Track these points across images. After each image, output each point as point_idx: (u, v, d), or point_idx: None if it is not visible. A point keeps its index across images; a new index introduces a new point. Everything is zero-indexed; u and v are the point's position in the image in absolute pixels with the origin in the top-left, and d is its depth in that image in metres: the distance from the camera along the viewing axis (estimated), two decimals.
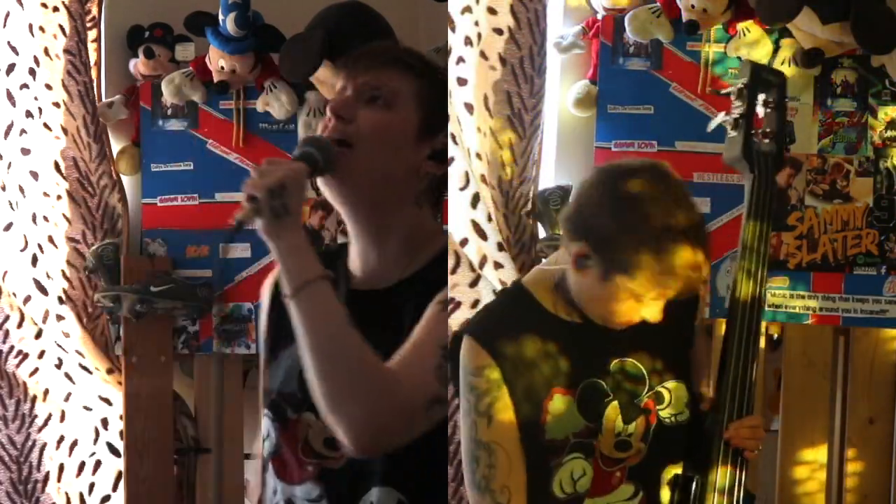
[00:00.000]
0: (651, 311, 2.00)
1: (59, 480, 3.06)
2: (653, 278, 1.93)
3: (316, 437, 1.74)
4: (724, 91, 2.43)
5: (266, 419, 1.81)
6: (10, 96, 2.97)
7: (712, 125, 2.34)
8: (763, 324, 3.02)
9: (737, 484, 2.12)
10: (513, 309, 2.12)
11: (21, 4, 2.94)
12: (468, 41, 2.78)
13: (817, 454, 3.03)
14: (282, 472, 1.78)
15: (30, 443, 3.04)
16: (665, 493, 2.11)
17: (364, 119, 1.68)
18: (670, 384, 2.09)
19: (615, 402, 2.06)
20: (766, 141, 2.26)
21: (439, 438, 1.71)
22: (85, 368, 3.03)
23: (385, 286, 1.76)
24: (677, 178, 2.02)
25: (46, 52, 2.97)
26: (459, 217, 2.85)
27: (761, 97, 2.25)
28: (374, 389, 1.57)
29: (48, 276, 2.98)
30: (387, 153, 1.69)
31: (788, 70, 2.95)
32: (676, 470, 2.11)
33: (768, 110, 2.26)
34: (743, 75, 2.26)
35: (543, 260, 2.64)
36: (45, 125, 2.98)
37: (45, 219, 2.98)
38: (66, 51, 2.98)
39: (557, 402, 2.04)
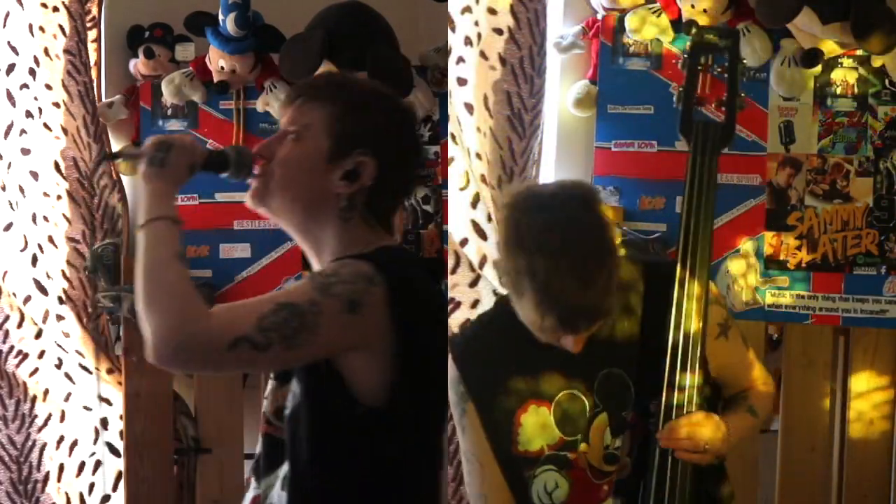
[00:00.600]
0: (566, 343, 1.92)
1: (59, 480, 3.06)
2: (522, 304, 1.86)
3: (269, 405, 1.86)
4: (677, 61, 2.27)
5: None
6: (10, 96, 2.96)
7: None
8: (763, 324, 3.04)
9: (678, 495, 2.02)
10: (495, 321, 2.11)
11: (21, 4, 2.94)
12: (468, 41, 2.78)
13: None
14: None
15: (30, 443, 3.04)
16: None
17: (279, 154, 1.87)
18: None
19: (603, 415, 2.03)
20: (718, 110, 2.10)
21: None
22: (85, 368, 3.03)
23: None
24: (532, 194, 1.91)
25: (46, 52, 2.97)
26: (459, 217, 2.85)
27: (713, 64, 2.08)
28: (179, 309, 1.70)
29: (48, 276, 2.98)
30: (297, 181, 1.86)
31: (788, 70, 2.95)
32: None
33: (722, 76, 2.09)
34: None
35: None
36: (45, 125, 2.98)
37: (45, 219, 2.98)
38: (66, 51, 2.98)
39: (531, 415, 2.03)
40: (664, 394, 2.00)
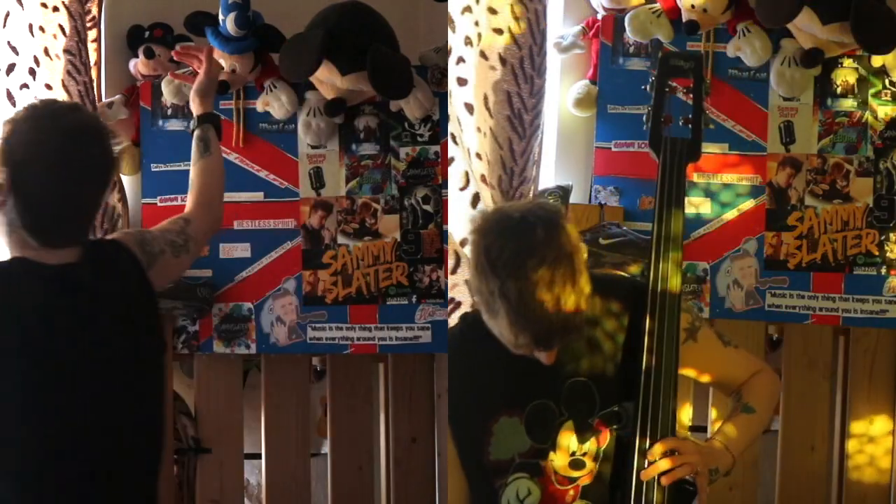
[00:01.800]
0: (541, 356, 1.99)
1: None
2: (497, 324, 1.92)
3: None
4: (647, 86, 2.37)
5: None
6: (10, 96, 2.96)
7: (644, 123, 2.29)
8: (763, 324, 3.04)
9: None
10: (467, 332, 2.16)
11: (21, 4, 2.94)
12: (468, 41, 2.78)
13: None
14: None
15: None
16: None
17: None
18: (628, 404, 2.08)
19: (570, 422, 2.08)
20: (689, 127, 2.19)
21: None
22: None
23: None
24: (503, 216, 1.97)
25: (46, 52, 2.96)
26: (459, 217, 2.84)
27: (683, 84, 2.19)
28: None
29: None
30: None
31: (788, 70, 2.95)
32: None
33: (687, 97, 2.20)
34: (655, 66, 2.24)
35: None
36: None
37: None
38: (66, 51, 2.98)
39: (503, 425, 2.07)
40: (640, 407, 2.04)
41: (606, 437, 2.08)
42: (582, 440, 2.07)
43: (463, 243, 2.85)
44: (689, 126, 2.19)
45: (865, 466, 3.09)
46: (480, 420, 2.08)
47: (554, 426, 2.07)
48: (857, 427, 3.08)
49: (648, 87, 2.22)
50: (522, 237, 1.90)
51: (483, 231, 1.94)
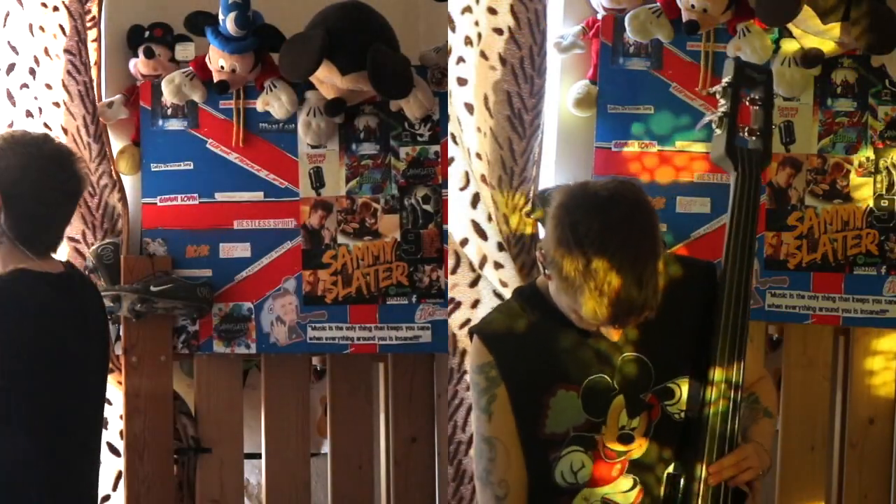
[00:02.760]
0: (609, 334, 2.04)
1: None
2: (576, 298, 1.97)
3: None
4: (710, 90, 2.44)
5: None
6: (10, 96, 2.97)
7: (700, 124, 2.36)
8: (763, 324, 3.04)
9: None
10: (521, 308, 2.18)
11: (21, 4, 2.94)
12: (468, 41, 2.78)
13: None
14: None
15: None
16: (661, 489, 2.13)
17: None
18: (682, 380, 2.11)
19: (621, 397, 2.11)
20: (753, 138, 2.27)
21: None
22: None
23: None
24: (591, 189, 2.03)
25: (46, 52, 2.97)
26: (459, 217, 2.85)
27: (748, 95, 2.27)
28: None
29: None
30: None
31: (788, 70, 2.95)
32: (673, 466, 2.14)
33: (755, 108, 2.28)
34: (728, 73, 2.28)
35: None
36: (45, 125, 2.98)
37: None
38: (66, 51, 2.98)
39: (560, 398, 2.09)
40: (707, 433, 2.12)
41: (658, 413, 2.11)
42: (632, 415, 2.10)
43: (463, 243, 2.86)
44: (751, 137, 2.28)
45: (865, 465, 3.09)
46: (537, 394, 2.10)
47: (607, 400, 2.10)
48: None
49: (718, 94, 2.26)
50: (610, 215, 1.95)
51: (568, 207, 1.99)
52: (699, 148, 2.94)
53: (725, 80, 2.27)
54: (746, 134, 2.28)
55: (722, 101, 2.27)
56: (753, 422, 2.24)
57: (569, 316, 2.06)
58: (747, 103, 2.28)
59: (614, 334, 2.04)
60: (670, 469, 2.14)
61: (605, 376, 2.10)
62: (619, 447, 2.11)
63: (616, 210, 1.97)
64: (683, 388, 2.13)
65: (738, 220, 2.23)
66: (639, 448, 2.12)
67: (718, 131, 2.27)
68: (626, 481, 2.12)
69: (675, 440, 2.14)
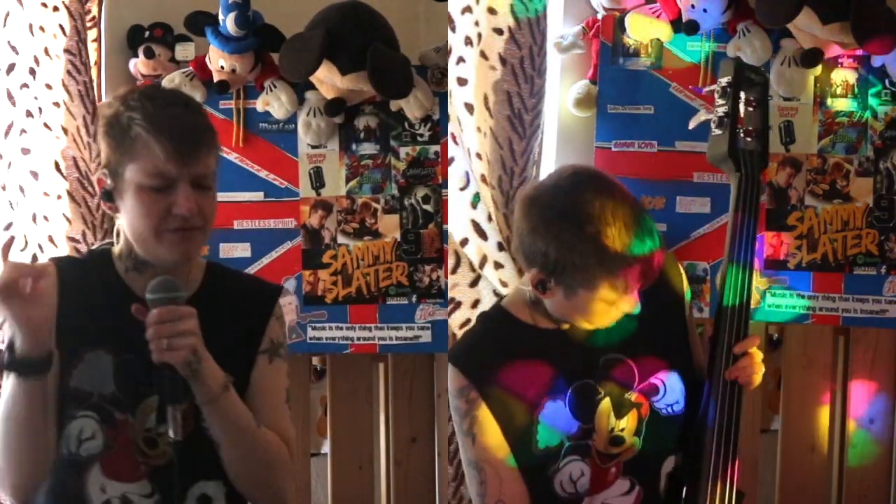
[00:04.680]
0: (628, 303, 2.03)
1: None
2: (611, 283, 1.96)
3: (136, 436, 1.95)
4: (707, 89, 2.44)
5: (90, 420, 1.94)
6: (10, 96, 2.96)
7: (693, 123, 2.35)
8: (763, 324, 3.04)
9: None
10: (492, 330, 2.17)
11: (21, 4, 2.94)
12: (468, 41, 2.78)
13: None
14: (113, 472, 1.95)
15: None
16: (662, 486, 2.12)
17: (204, 206, 1.95)
18: (664, 375, 2.11)
19: (607, 399, 2.09)
20: (750, 139, 2.27)
21: None
22: None
23: None
24: (590, 176, 2.06)
25: (46, 52, 2.96)
26: (459, 217, 2.85)
27: (744, 96, 2.27)
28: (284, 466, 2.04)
29: None
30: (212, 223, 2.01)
31: (788, 70, 2.95)
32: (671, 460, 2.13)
33: (751, 109, 2.28)
34: (726, 74, 2.28)
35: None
36: (45, 125, 2.98)
37: (46, 219, 2.98)
38: (66, 51, 2.98)
39: (548, 411, 2.08)
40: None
41: (647, 410, 2.10)
42: (619, 415, 2.09)
43: (463, 243, 2.86)
44: (748, 138, 2.28)
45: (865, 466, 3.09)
46: (525, 411, 2.08)
47: (594, 403, 2.09)
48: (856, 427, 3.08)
49: (717, 94, 2.26)
50: (569, 191, 1.99)
51: (529, 202, 2.02)
52: (699, 148, 2.93)
53: (724, 80, 2.27)
54: (743, 135, 2.27)
55: (720, 101, 2.27)
56: None
57: (560, 318, 2.06)
58: (743, 104, 2.28)
59: (633, 303, 2.02)
60: (670, 468, 2.13)
61: (589, 381, 2.09)
62: (611, 450, 2.10)
63: (575, 175, 2.02)
64: (667, 383, 2.13)
65: (740, 221, 2.23)
66: (631, 448, 2.11)
67: (718, 132, 2.27)
68: (623, 484, 2.11)
69: (669, 435, 2.13)
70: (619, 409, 2.09)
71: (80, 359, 1.95)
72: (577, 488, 2.09)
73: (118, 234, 2.02)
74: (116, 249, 2.03)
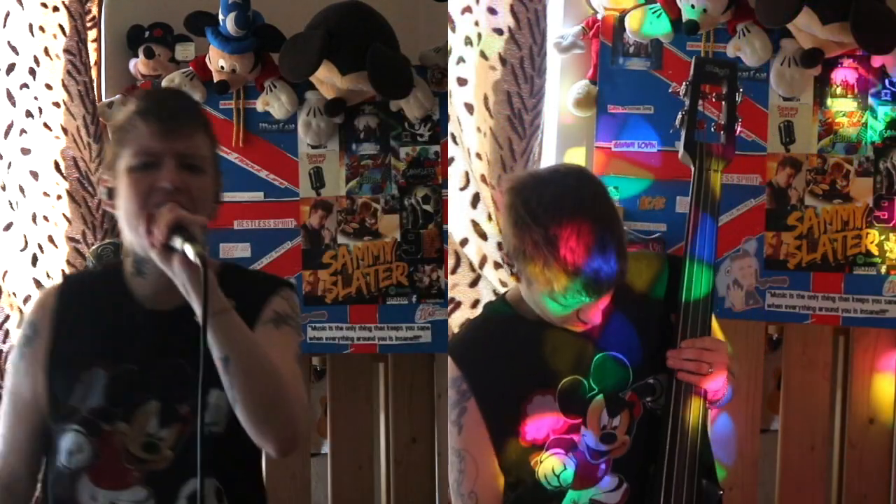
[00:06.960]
0: (588, 311, 2.02)
1: None
2: (546, 276, 1.95)
3: (134, 443, 1.93)
4: (672, 90, 2.41)
5: (75, 434, 1.95)
6: (10, 96, 2.96)
7: (677, 122, 2.32)
8: (763, 324, 3.04)
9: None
10: (490, 321, 2.19)
11: (21, 4, 2.94)
12: (468, 41, 2.78)
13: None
14: (102, 481, 1.95)
15: None
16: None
17: (191, 186, 1.90)
18: (662, 376, 2.11)
19: (601, 396, 2.10)
20: (721, 133, 2.22)
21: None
22: None
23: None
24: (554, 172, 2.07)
25: (46, 52, 2.96)
26: (459, 217, 2.85)
27: (712, 91, 2.23)
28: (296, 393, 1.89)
29: (48, 276, 2.98)
30: (203, 210, 1.92)
31: (788, 70, 2.95)
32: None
33: (723, 102, 2.24)
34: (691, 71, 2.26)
35: None
36: (45, 125, 2.98)
37: (45, 219, 2.98)
38: (66, 51, 2.98)
39: (537, 404, 2.08)
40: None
41: (640, 410, 2.10)
42: (613, 414, 2.09)
43: (463, 243, 2.85)
44: (721, 132, 2.22)
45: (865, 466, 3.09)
46: (515, 403, 2.08)
47: (585, 401, 2.08)
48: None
49: (681, 93, 2.24)
50: (558, 183, 1.98)
51: (517, 189, 2.00)
52: None
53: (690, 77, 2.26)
54: (714, 129, 2.24)
55: (686, 100, 2.25)
56: None
57: (543, 315, 2.06)
58: (714, 99, 2.23)
59: (593, 315, 2.01)
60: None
61: (581, 378, 2.09)
62: (602, 447, 2.10)
63: (562, 179, 2.00)
64: (664, 383, 2.12)
65: (693, 216, 2.17)
66: (622, 446, 2.11)
67: (679, 130, 2.24)
68: (612, 480, 2.12)
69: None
70: (613, 408, 2.09)
71: (77, 380, 1.96)
72: (561, 482, 2.10)
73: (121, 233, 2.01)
74: (123, 252, 2.03)
